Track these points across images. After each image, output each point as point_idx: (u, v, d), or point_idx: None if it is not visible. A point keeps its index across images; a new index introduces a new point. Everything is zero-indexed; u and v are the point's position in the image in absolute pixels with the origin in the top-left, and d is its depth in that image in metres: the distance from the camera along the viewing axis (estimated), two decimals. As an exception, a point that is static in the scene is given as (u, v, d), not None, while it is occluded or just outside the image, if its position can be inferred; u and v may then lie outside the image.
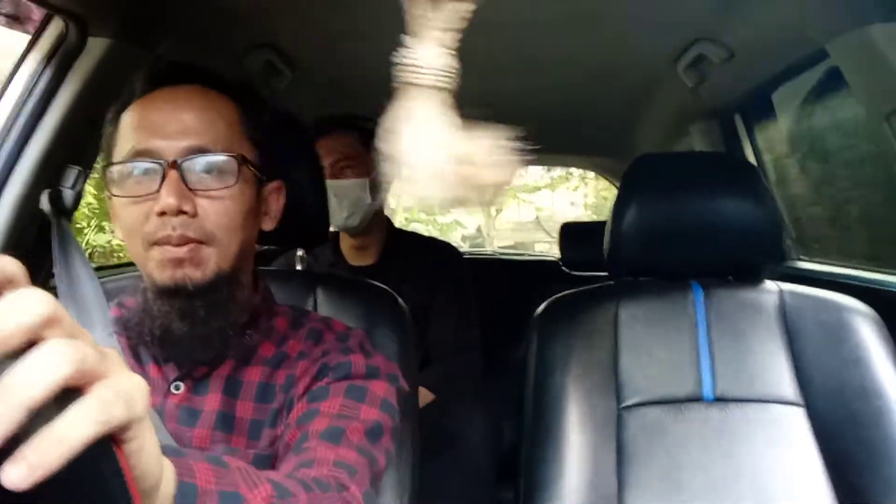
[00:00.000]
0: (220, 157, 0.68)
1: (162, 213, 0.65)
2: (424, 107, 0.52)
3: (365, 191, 1.47)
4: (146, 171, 0.67)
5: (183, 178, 0.66)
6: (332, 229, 1.50)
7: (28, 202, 1.00)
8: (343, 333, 0.77)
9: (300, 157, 0.94)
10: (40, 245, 1.00)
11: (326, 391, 0.68)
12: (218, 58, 1.36)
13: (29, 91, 1.03)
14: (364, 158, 1.48)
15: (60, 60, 1.04)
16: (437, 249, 1.66)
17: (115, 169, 0.68)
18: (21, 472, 0.26)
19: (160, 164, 0.66)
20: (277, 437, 0.69)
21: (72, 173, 1.04)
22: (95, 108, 1.08)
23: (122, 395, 0.29)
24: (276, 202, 0.78)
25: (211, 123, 0.69)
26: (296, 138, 0.95)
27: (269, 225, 0.78)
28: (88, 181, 1.10)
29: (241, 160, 0.69)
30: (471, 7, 0.52)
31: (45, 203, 0.95)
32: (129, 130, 0.69)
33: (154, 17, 1.13)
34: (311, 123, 1.56)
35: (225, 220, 0.68)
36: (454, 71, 0.53)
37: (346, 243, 1.61)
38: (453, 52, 0.53)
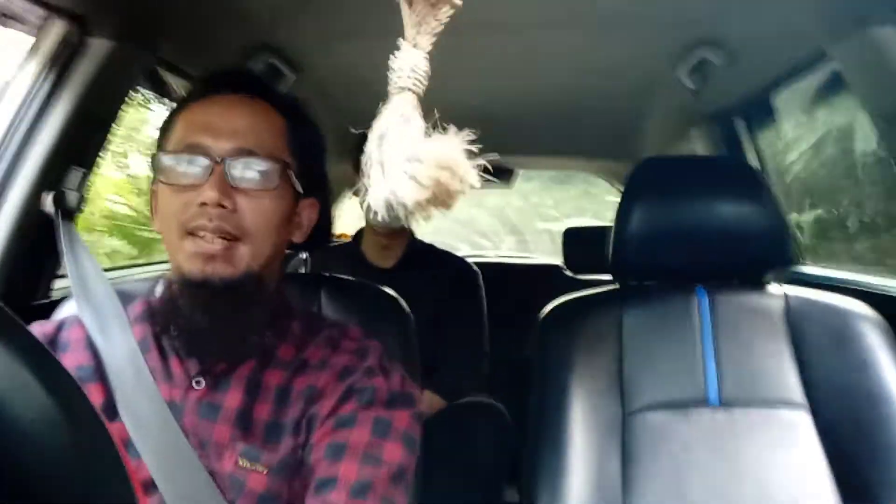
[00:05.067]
0: (264, 161, 0.72)
1: (203, 204, 0.69)
2: (404, 110, 0.53)
3: None
4: (194, 164, 0.71)
5: (227, 176, 0.70)
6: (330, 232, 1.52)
7: (31, 204, 1.00)
8: (362, 348, 0.77)
9: None
10: (44, 247, 1.00)
11: (353, 419, 0.70)
12: (220, 60, 1.35)
13: (30, 92, 1.03)
14: None
15: (62, 62, 1.04)
16: (456, 266, 1.72)
17: (165, 158, 0.72)
18: None
19: (208, 159, 0.70)
20: (299, 447, 0.70)
21: (75, 175, 1.03)
22: (97, 109, 1.08)
23: None
24: (308, 217, 0.81)
25: (259, 130, 0.74)
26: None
27: (298, 237, 0.81)
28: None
29: (285, 166, 0.73)
30: (454, 12, 0.53)
31: (48, 204, 0.95)
32: (183, 126, 0.74)
33: (155, 19, 1.12)
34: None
35: (262, 219, 0.72)
36: (428, 75, 0.54)
37: (369, 243, 1.64)
38: (429, 56, 0.53)
